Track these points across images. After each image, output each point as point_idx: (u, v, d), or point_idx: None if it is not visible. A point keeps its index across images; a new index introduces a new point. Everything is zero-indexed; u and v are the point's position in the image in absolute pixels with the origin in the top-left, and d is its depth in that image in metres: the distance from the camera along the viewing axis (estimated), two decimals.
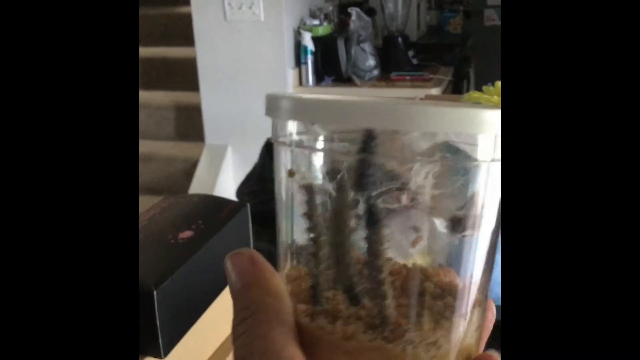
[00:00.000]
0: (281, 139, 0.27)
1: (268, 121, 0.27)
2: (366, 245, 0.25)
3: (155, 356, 0.53)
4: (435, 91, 2.25)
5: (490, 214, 0.27)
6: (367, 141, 0.24)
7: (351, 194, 0.25)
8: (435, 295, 0.26)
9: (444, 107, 0.23)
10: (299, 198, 0.26)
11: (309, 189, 0.26)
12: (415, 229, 0.26)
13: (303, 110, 0.25)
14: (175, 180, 2.46)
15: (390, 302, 0.25)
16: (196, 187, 2.30)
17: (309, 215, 0.26)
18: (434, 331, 0.26)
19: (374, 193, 0.25)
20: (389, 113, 0.23)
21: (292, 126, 0.27)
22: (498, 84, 0.69)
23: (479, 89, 0.72)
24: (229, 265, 0.26)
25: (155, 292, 0.52)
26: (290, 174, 0.27)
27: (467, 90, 2.76)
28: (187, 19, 2.35)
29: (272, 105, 0.26)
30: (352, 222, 0.25)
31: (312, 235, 0.26)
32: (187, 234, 0.62)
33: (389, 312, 0.25)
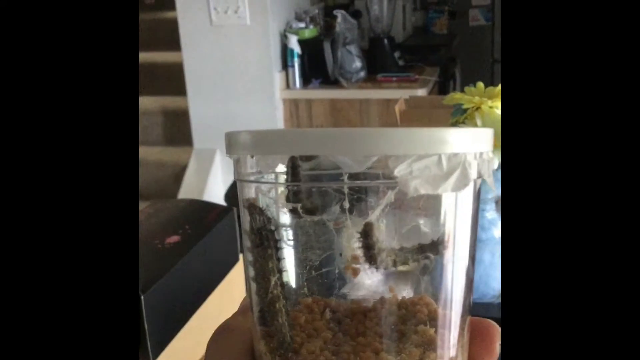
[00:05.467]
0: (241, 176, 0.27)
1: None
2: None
3: None
4: (421, 92, 2.26)
5: (460, 234, 0.25)
6: (292, 171, 0.24)
7: (257, 218, 0.25)
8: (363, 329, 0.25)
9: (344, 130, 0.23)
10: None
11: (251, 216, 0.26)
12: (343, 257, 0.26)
13: (237, 144, 0.26)
14: (164, 185, 2.45)
15: (281, 323, 0.25)
16: (185, 191, 2.30)
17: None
18: None
19: (271, 218, 0.25)
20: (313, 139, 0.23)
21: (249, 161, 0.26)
22: (480, 84, 0.70)
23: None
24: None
25: (142, 297, 0.52)
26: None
27: (454, 90, 2.78)
28: (173, 24, 2.34)
29: (231, 142, 0.26)
30: (255, 245, 0.25)
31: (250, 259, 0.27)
32: (174, 238, 0.62)
33: (282, 335, 0.25)
